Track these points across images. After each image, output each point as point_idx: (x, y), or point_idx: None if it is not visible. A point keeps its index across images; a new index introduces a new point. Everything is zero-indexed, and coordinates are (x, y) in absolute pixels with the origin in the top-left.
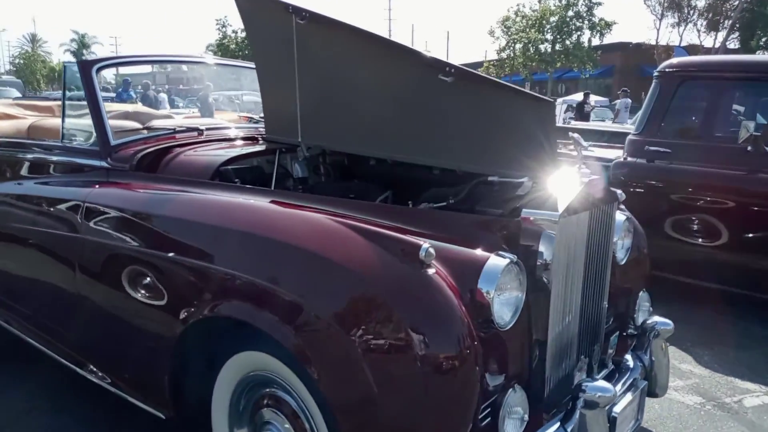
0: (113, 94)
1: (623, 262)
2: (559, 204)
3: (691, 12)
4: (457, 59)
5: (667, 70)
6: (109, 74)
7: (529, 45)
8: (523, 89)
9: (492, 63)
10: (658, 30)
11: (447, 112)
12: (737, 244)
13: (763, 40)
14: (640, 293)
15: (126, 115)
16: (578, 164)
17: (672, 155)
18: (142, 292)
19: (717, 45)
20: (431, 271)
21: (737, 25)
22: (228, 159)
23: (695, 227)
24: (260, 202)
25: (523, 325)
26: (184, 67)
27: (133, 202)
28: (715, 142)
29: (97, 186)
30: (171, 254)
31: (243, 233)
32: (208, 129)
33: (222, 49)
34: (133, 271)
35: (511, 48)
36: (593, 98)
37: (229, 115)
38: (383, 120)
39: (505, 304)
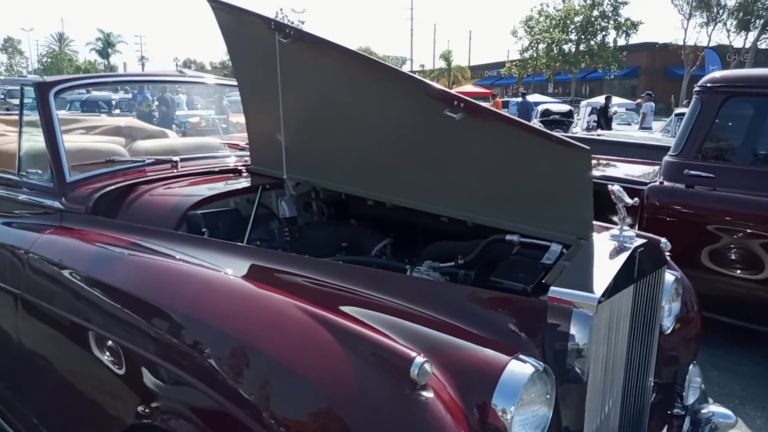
0: (129, 95)
1: (669, 331)
2: (597, 280)
3: (721, 11)
4: (479, 59)
5: (709, 85)
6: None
7: (553, 45)
8: (551, 132)
9: (514, 63)
10: (685, 30)
11: (456, 152)
12: None
13: None
14: (690, 367)
15: (118, 131)
16: (620, 223)
17: (715, 181)
18: (78, 372)
19: (747, 45)
20: (425, 395)
21: None
22: (198, 201)
23: (742, 262)
24: (219, 275)
25: None
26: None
27: (76, 258)
28: (766, 167)
29: (46, 232)
30: (103, 333)
31: (191, 320)
32: (184, 159)
33: None
34: (70, 348)
35: (534, 48)
36: (615, 100)
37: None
38: (380, 157)
39: (527, 426)
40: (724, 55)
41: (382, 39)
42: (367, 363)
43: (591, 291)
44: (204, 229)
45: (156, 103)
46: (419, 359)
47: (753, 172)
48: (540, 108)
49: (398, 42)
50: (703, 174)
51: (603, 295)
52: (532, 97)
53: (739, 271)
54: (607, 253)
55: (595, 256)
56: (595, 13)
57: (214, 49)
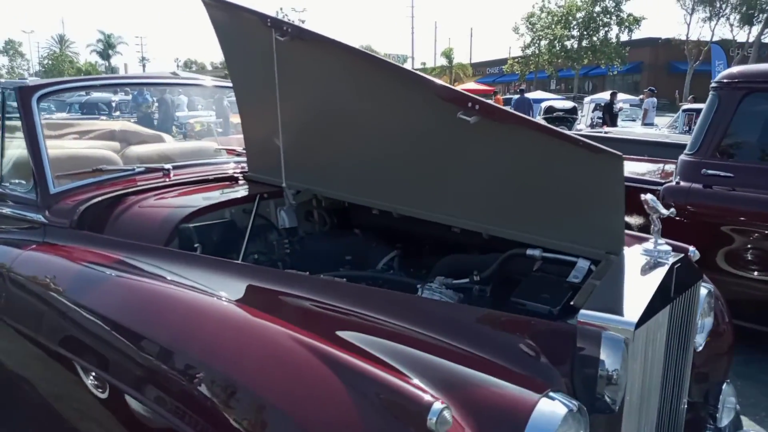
0: (129, 97)
1: (701, 348)
2: (631, 301)
3: (724, 6)
4: (480, 56)
5: (726, 80)
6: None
7: (555, 41)
8: (579, 137)
9: (516, 60)
10: (688, 25)
11: (470, 158)
12: None
13: None
14: (724, 386)
15: (111, 135)
16: (654, 236)
17: (735, 180)
18: (58, 396)
19: (751, 39)
20: None
21: None
22: (190, 213)
23: (765, 265)
24: (208, 300)
25: None
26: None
27: (57, 278)
28: None
29: (28, 249)
30: (84, 362)
31: (175, 352)
32: (177, 167)
33: None
34: (51, 372)
35: (536, 45)
36: (620, 96)
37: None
38: (386, 163)
39: None
40: (728, 49)
41: (383, 37)
42: (376, 408)
43: (625, 314)
44: (197, 245)
45: (156, 104)
46: (437, 405)
47: None
48: (543, 105)
49: (399, 40)
50: (722, 173)
51: (640, 320)
52: (534, 94)
53: (760, 274)
54: (640, 269)
55: (627, 274)
56: (597, 8)
57: (215, 49)
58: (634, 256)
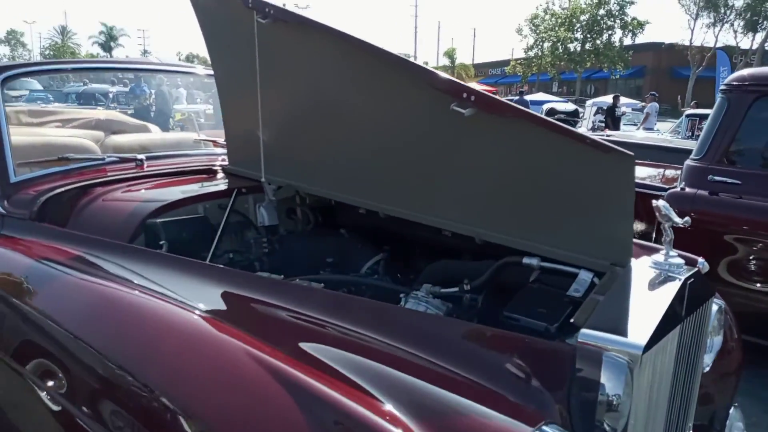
0: (127, 89)
1: (708, 369)
2: (638, 320)
3: (728, 12)
4: (483, 57)
5: (736, 83)
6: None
7: (558, 44)
8: (586, 134)
9: (519, 62)
10: (692, 30)
11: (463, 155)
12: None
13: None
14: (732, 410)
15: (96, 125)
16: (666, 247)
17: (742, 188)
18: (8, 403)
19: (755, 46)
20: None
21: None
22: (159, 207)
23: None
24: (165, 309)
25: None
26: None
27: (11, 275)
28: None
29: None
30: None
31: (125, 366)
32: (151, 158)
33: None
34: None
35: (539, 47)
36: (622, 100)
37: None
38: (373, 159)
39: None
40: (731, 56)
41: (387, 35)
42: None
43: (631, 335)
44: (162, 242)
45: (153, 96)
46: None
47: None
48: (545, 107)
49: (402, 39)
50: (729, 180)
51: (648, 342)
52: (536, 96)
53: (764, 286)
54: (649, 284)
55: (634, 289)
56: (602, 11)
57: None
58: (642, 269)
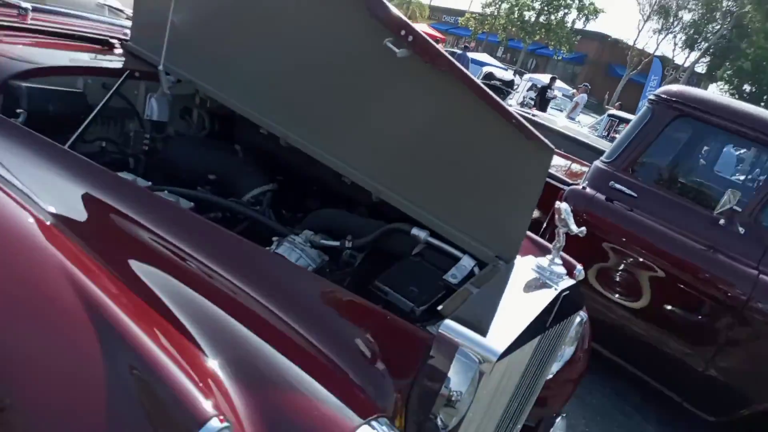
0: None
1: (552, 376)
2: (504, 324)
3: (676, 23)
4: (441, 1)
5: (664, 96)
6: None
7: (516, 8)
8: (513, 113)
9: (474, 15)
10: (639, 31)
11: (384, 100)
12: (672, 329)
13: (728, 72)
14: (558, 420)
15: None
16: (553, 253)
17: (636, 201)
18: None
19: (687, 64)
20: None
21: (711, 50)
22: (30, 70)
23: (626, 289)
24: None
25: None
26: None
27: None
28: (689, 203)
29: None
30: None
31: None
32: (39, 10)
33: None
34: None
35: (497, 6)
36: (558, 84)
37: None
38: (286, 77)
39: None
40: (665, 67)
41: None
42: (128, 400)
43: (492, 339)
44: (21, 111)
45: None
46: (214, 424)
47: (673, 203)
48: (484, 69)
49: None
50: (627, 191)
51: (506, 351)
52: (480, 56)
53: (622, 299)
54: (525, 286)
55: (510, 289)
56: None
57: None
58: (523, 270)
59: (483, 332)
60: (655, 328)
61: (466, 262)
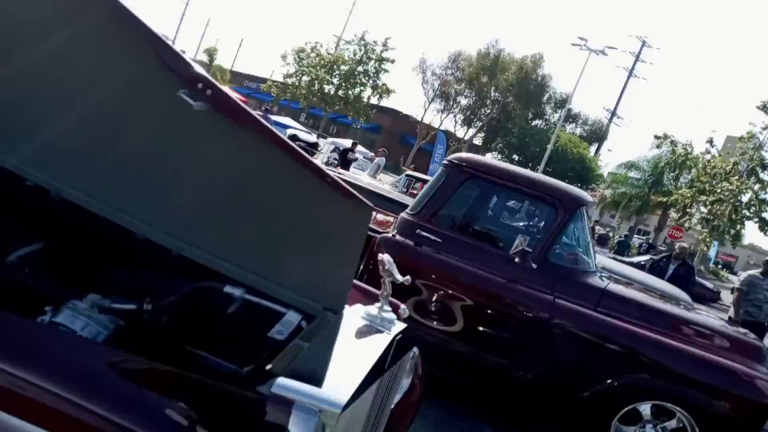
0: None
1: (394, 405)
2: (340, 374)
3: (455, 105)
4: (243, 68)
5: (456, 162)
6: None
7: (316, 81)
8: (329, 172)
9: (276, 84)
10: (425, 110)
11: (181, 153)
12: (488, 347)
13: (500, 145)
14: None
15: None
16: (381, 301)
17: (441, 245)
18: None
19: (467, 137)
20: None
21: (485, 128)
22: None
23: (443, 317)
24: None
25: None
26: None
27: None
28: (486, 245)
29: None
30: None
31: None
32: None
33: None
34: None
35: (299, 78)
36: (359, 148)
37: None
38: (61, 111)
39: None
40: (449, 139)
41: (151, 11)
42: None
43: (332, 391)
44: None
45: None
46: None
47: (473, 246)
48: (289, 131)
49: (167, 21)
50: (432, 237)
51: (349, 401)
52: (283, 119)
53: (437, 323)
54: (357, 333)
55: (342, 339)
56: (360, 69)
57: None
58: (353, 319)
59: (319, 384)
60: (473, 347)
61: (292, 317)
